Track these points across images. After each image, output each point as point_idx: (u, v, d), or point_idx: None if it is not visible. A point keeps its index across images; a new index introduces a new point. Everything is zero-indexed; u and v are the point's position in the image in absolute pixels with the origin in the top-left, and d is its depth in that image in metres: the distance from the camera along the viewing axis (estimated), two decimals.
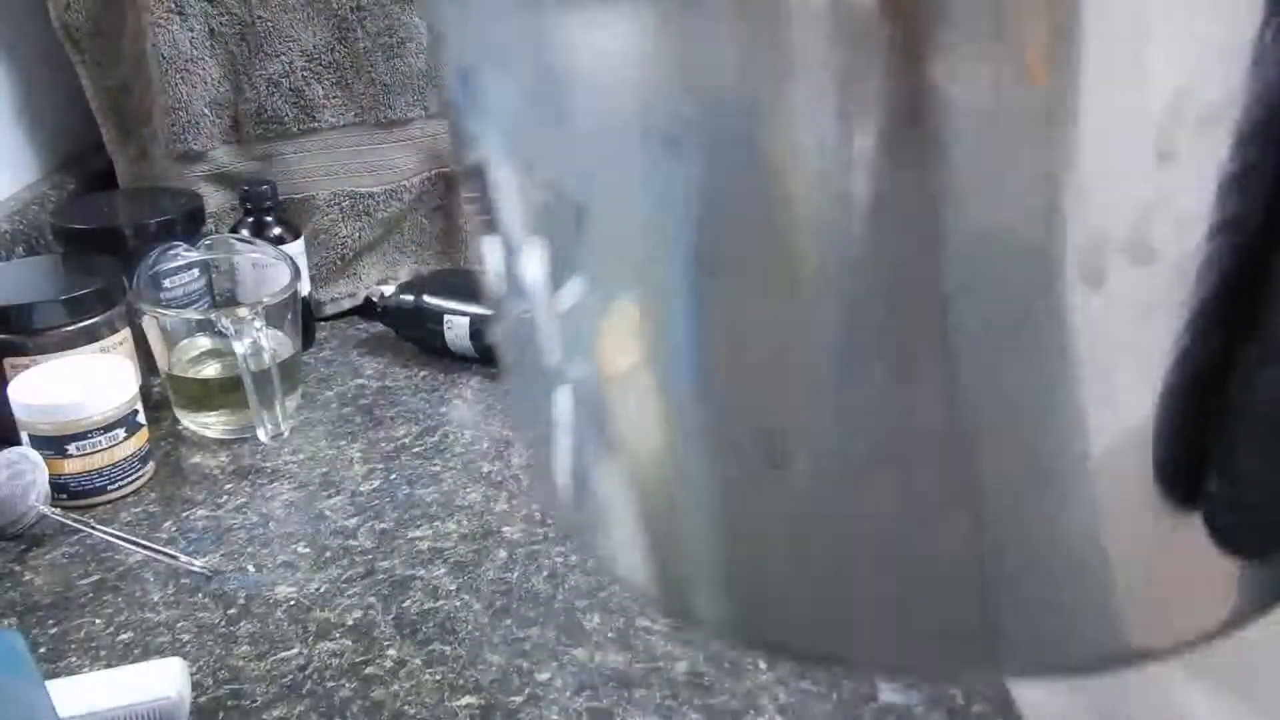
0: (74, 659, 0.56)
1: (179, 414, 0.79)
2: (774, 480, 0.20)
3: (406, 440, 0.77)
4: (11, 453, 0.66)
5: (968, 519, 0.20)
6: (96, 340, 0.73)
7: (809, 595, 0.22)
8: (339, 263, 0.96)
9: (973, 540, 0.20)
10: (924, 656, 0.22)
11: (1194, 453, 0.20)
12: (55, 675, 0.53)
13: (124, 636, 0.58)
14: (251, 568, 0.63)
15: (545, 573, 0.62)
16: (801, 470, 0.20)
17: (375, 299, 0.90)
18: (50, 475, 0.66)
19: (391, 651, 0.56)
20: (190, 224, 0.84)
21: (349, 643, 0.57)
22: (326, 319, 0.96)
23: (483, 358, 0.86)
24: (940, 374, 0.19)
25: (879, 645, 0.22)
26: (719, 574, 0.22)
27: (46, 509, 0.65)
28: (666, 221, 0.19)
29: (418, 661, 0.55)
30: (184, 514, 0.69)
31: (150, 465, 0.72)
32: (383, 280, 0.97)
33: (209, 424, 0.78)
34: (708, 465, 0.21)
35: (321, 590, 0.61)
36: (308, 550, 0.65)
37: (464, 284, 0.91)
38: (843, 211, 0.18)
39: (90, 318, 0.73)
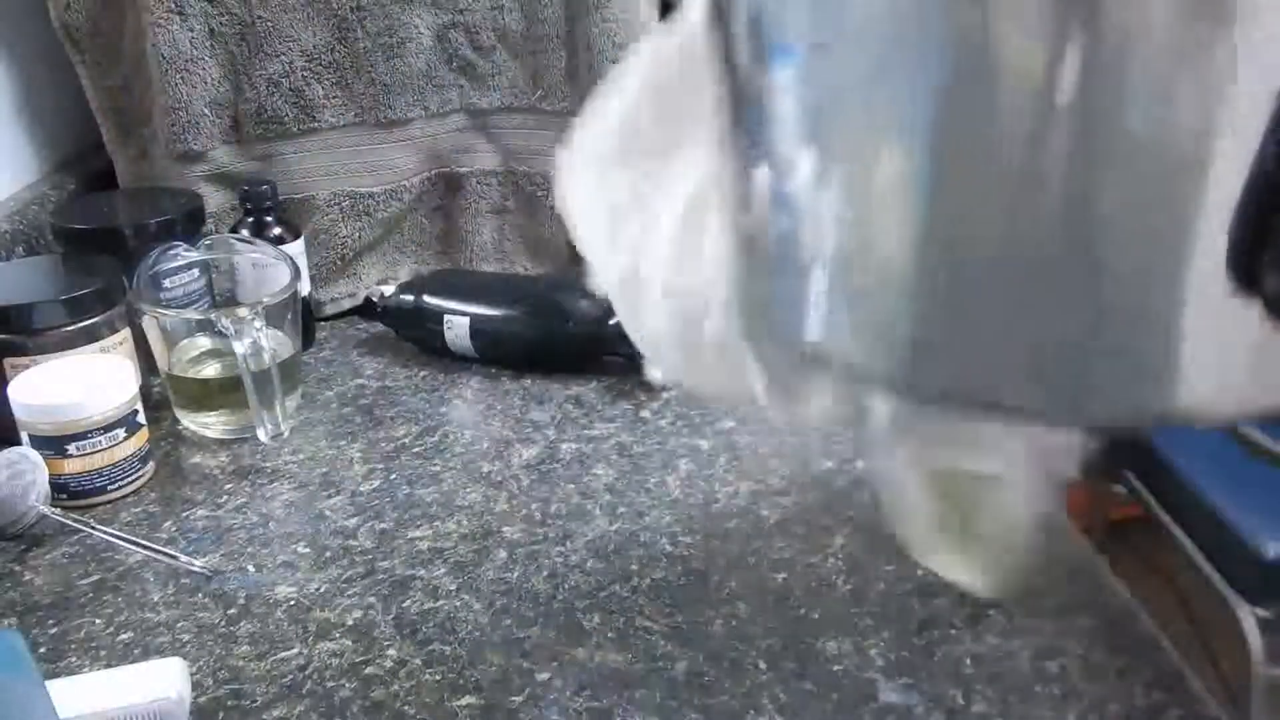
0: (74, 659, 0.56)
1: (179, 414, 0.79)
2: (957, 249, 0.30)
3: (406, 440, 0.77)
4: (11, 453, 0.66)
5: (1089, 286, 0.29)
6: (96, 340, 0.73)
7: (970, 346, 0.31)
8: (339, 263, 0.96)
9: (1089, 298, 0.29)
10: (1035, 397, 0.31)
11: (1258, 245, 0.27)
12: (55, 675, 0.53)
13: (124, 636, 0.58)
14: (251, 568, 0.63)
15: (545, 573, 0.62)
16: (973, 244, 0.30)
17: (375, 299, 0.90)
18: (50, 475, 0.66)
19: (391, 651, 0.56)
20: (190, 224, 0.84)
21: (349, 643, 0.57)
22: (326, 319, 0.95)
23: (483, 358, 0.86)
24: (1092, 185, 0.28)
25: (1010, 388, 0.31)
26: (915, 334, 0.32)
27: (46, 509, 0.65)
28: (915, 97, 0.29)
29: (418, 661, 0.55)
30: (184, 514, 0.69)
31: (150, 465, 0.72)
32: (383, 280, 0.97)
33: (209, 424, 0.78)
34: (921, 243, 0.31)
35: (321, 590, 0.61)
36: (308, 550, 0.65)
37: (464, 284, 0.91)
38: (1037, 101, 0.27)
39: (90, 318, 0.73)
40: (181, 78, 0.87)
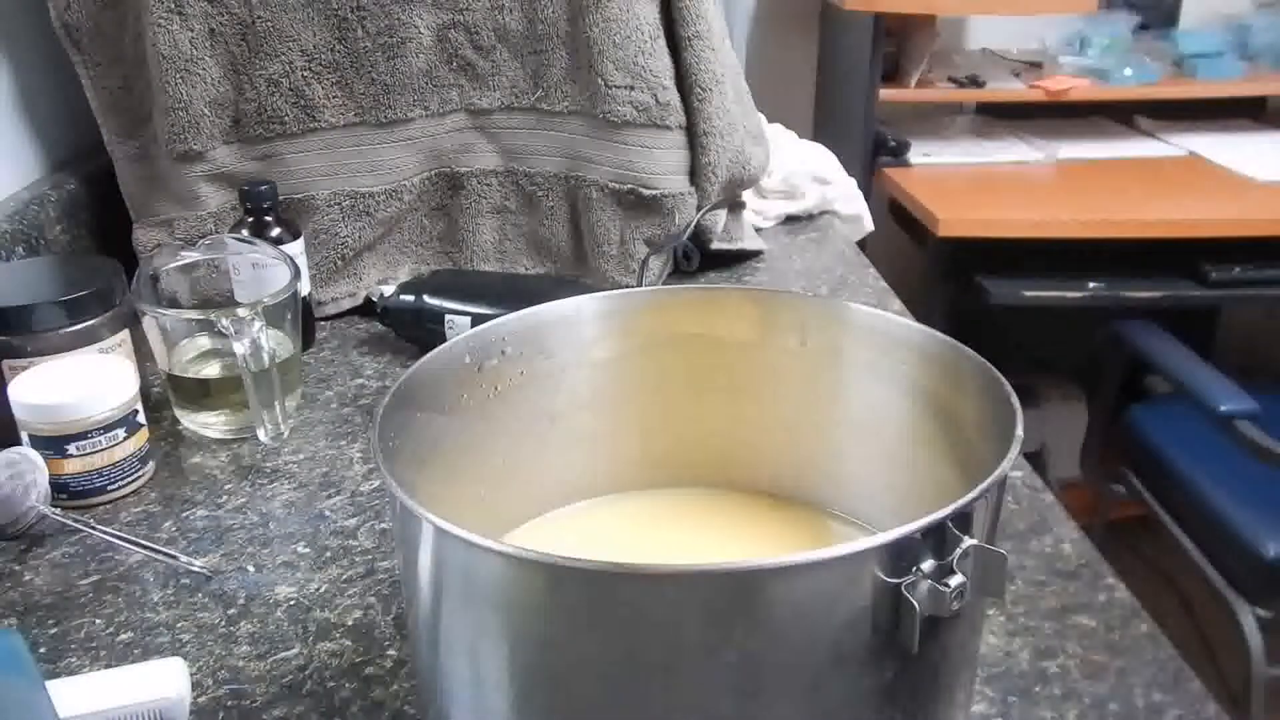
0: (74, 659, 0.56)
1: (179, 414, 0.79)
2: None
3: None
4: (11, 453, 0.66)
5: None
6: (96, 341, 0.73)
7: None
8: (339, 263, 0.96)
9: None
10: None
11: None
12: (55, 675, 0.53)
13: (124, 636, 0.58)
14: (251, 568, 0.63)
15: None
16: None
17: (375, 299, 0.90)
18: (50, 475, 0.66)
19: (391, 651, 0.56)
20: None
21: (349, 643, 0.57)
22: (326, 319, 0.96)
23: None
24: None
25: None
26: None
27: (46, 509, 0.65)
28: None
29: None
30: (184, 514, 0.69)
31: (150, 465, 0.72)
32: (383, 280, 0.97)
33: (209, 424, 0.78)
34: None
35: (321, 590, 0.61)
36: (308, 550, 0.65)
37: (464, 284, 0.91)
38: None
39: (90, 318, 0.73)
40: (181, 78, 0.87)
